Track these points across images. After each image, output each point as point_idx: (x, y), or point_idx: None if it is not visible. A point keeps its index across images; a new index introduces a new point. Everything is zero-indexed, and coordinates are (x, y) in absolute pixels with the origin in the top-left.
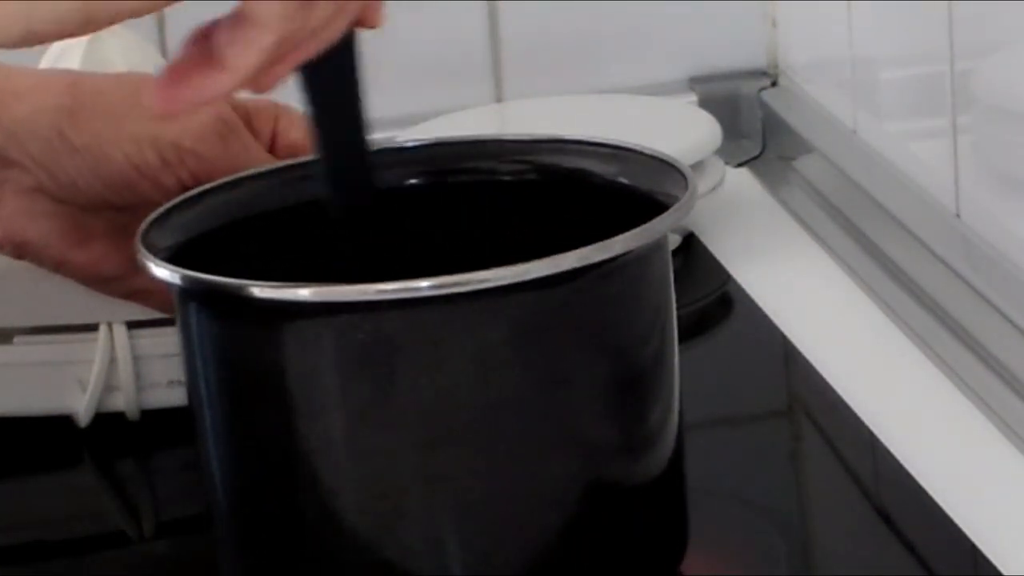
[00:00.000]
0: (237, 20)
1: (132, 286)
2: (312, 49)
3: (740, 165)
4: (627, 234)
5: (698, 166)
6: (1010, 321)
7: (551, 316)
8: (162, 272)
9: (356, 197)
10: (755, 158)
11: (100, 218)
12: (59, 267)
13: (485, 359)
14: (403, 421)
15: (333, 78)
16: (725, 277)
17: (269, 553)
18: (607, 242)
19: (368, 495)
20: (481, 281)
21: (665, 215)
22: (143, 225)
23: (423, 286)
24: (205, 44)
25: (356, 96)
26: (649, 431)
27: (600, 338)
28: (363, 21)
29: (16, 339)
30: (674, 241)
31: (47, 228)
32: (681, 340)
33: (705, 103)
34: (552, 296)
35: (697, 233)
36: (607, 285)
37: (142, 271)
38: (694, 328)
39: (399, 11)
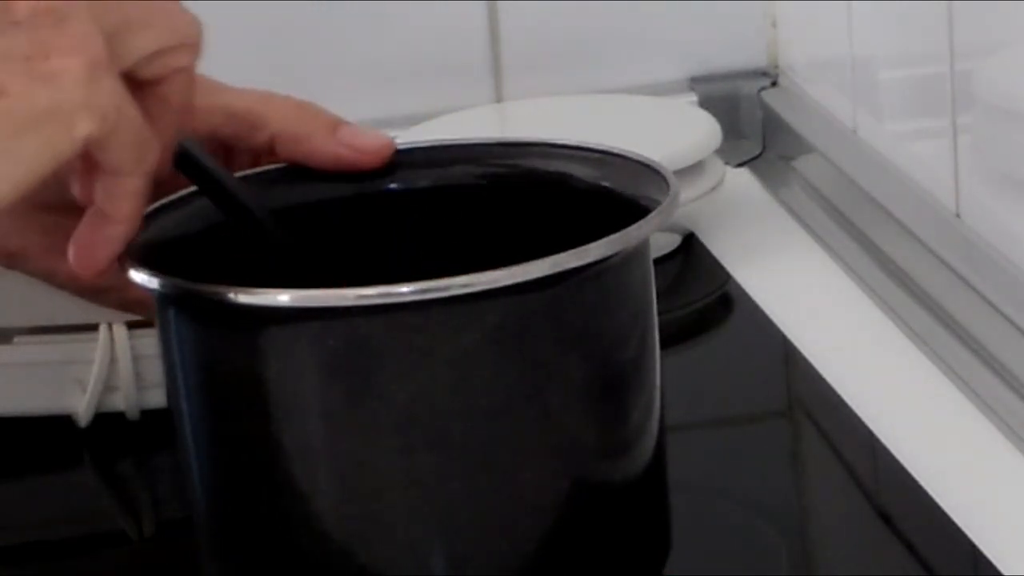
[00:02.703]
0: (100, 172)
1: (126, 296)
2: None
3: (740, 165)
4: (606, 239)
5: (698, 166)
6: (1010, 321)
7: (532, 321)
8: (140, 276)
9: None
10: (755, 158)
11: None
12: (49, 277)
13: (465, 364)
14: (383, 426)
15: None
16: (725, 277)
17: (248, 558)
18: (586, 247)
19: (348, 500)
20: (462, 286)
21: (646, 220)
22: None
23: (403, 291)
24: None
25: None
26: (630, 434)
27: (581, 342)
28: None
29: (16, 339)
30: (674, 241)
31: (34, 239)
32: (681, 340)
33: (705, 103)
34: (533, 301)
35: (697, 233)
36: (588, 290)
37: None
38: (694, 328)
39: (399, 10)
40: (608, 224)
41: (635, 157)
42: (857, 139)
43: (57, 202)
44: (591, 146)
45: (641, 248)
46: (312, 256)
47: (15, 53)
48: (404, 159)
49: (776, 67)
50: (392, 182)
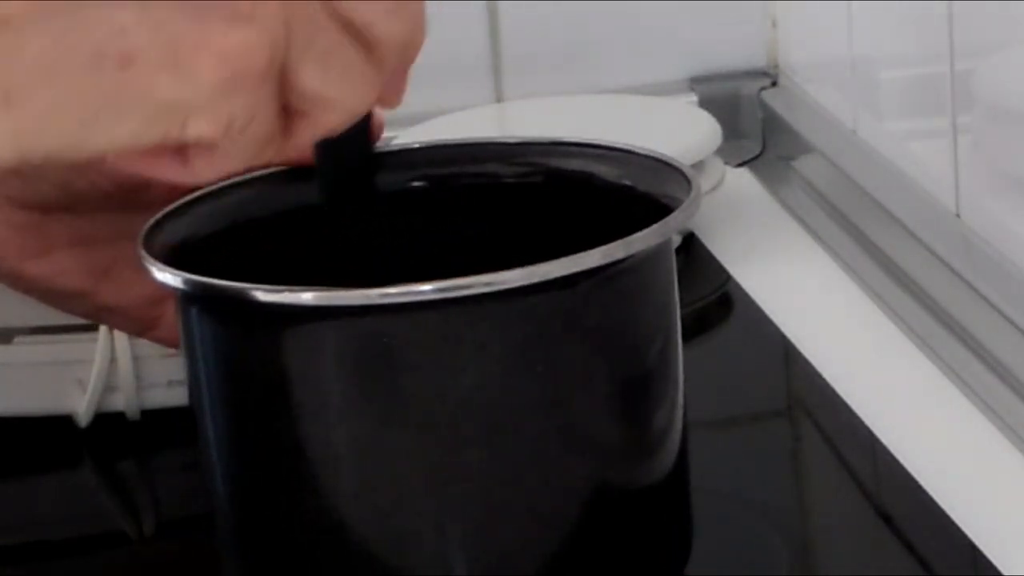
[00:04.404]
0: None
1: (96, 303)
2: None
3: (740, 165)
4: (650, 230)
5: (698, 166)
6: (1010, 321)
7: (556, 320)
8: (165, 276)
9: (352, 202)
10: (755, 158)
11: (62, 226)
12: (16, 280)
13: (489, 363)
14: (406, 426)
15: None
16: (725, 277)
17: (274, 561)
18: (629, 239)
19: (370, 498)
20: (485, 284)
21: (677, 212)
22: (143, 230)
23: (426, 290)
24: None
25: (366, 153)
26: (658, 431)
27: (608, 341)
28: (382, 100)
29: (16, 339)
30: (674, 240)
31: (6, 236)
32: (681, 340)
33: (705, 103)
34: (558, 299)
35: (697, 233)
36: (615, 286)
37: (106, 286)
38: (694, 328)
39: None
40: (626, 223)
41: (656, 155)
42: (857, 139)
43: (34, 199)
44: (610, 144)
45: (668, 244)
46: (327, 258)
47: (169, 29)
48: (426, 157)
49: (776, 67)
50: (413, 180)
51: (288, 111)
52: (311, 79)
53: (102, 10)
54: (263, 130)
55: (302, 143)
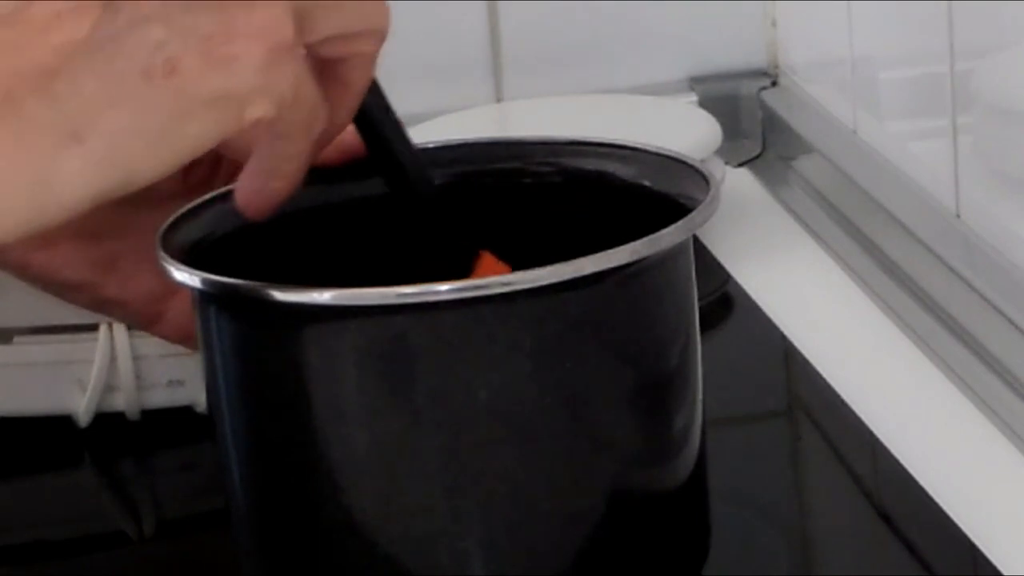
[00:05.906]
0: (267, 136)
1: (100, 295)
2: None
3: (740, 165)
4: (670, 228)
5: None
6: (1010, 321)
7: (582, 318)
8: (183, 275)
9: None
10: (755, 158)
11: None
12: (21, 271)
13: (513, 363)
14: (422, 425)
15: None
16: (725, 277)
17: (294, 562)
18: (657, 235)
19: (388, 498)
20: (502, 285)
21: (700, 209)
22: (161, 229)
23: (442, 290)
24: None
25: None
26: (680, 430)
27: (631, 339)
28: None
29: (16, 339)
30: None
31: None
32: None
33: (705, 103)
34: (583, 297)
35: (697, 233)
36: (639, 285)
37: (111, 279)
38: None
39: (399, 11)
40: (641, 223)
41: (672, 154)
42: (857, 139)
43: None
44: (628, 144)
45: (687, 243)
46: (341, 257)
47: (198, 31)
48: (440, 157)
49: (776, 67)
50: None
51: (323, 74)
52: (333, 23)
53: (133, 34)
54: (310, 97)
55: (353, 83)
